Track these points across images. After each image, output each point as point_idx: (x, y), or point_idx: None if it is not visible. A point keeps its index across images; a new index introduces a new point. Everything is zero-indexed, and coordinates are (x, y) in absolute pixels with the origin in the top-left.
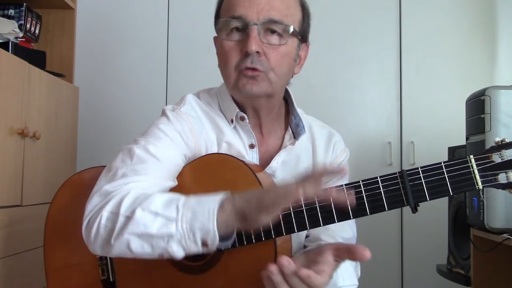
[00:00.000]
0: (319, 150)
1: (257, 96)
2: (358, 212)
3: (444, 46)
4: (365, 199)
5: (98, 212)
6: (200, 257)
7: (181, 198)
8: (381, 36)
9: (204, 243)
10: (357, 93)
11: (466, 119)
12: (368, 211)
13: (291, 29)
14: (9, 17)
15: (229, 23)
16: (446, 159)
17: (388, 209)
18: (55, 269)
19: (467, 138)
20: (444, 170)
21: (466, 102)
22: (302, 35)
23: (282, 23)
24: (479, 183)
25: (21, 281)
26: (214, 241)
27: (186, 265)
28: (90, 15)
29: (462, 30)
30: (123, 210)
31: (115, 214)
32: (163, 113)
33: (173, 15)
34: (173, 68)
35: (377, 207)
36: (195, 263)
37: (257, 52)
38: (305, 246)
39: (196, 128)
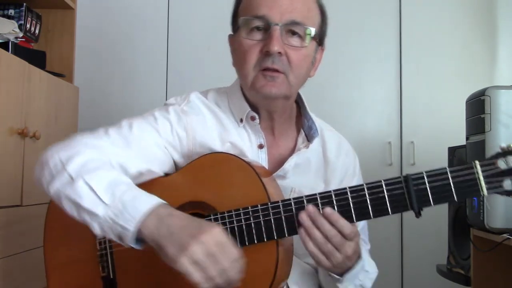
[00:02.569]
0: (330, 154)
1: (275, 98)
2: (362, 215)
3: (444, 46)
4: (368, 202)
5: (53, 153)
6: None
7: (122, 185)
8: (381, 36)
9: (120, 238)
10: (357, 93)
11: (466, 119)
12: (371, 214)
13: (313, 32)
14: (9, 17)
15: (251, 22)
16: (446, 159)
17: (392, 213)
18: (55, 266)
19: (467, 138)
20: (449, 175)
21: (466, 102)
22: (320, 39)
23: (304, 25)
24: (484, 189)
25: (21, 281)
26: (128, 242)
27: None
28: (90, 15)
29: (462, 30)
30: (70, 168)
31: (61, 166)
32: (165, 105)
33: (173, 15)
34: (173, 68)
35: (380, 211)
36: None
37: (279, 52)
38: None
39: (194, 125)
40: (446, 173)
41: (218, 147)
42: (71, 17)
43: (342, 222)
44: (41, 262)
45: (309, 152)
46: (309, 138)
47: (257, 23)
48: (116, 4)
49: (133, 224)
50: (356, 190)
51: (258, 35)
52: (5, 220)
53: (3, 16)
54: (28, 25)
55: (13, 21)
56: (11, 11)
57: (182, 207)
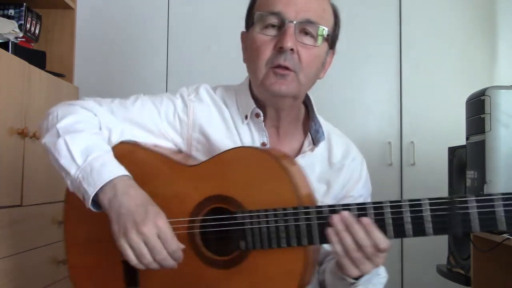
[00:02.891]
0: (335, 160)
1: (283, 96)
2: (399, 233)
3: (444, 45)
4: (410, 220)
5: (56, 108)
6: (226, 252)
7: (98, 151)
8: (381, 36)
9: (83, 199)
10: (357, 93)
11: (466, 119)
12: (410, 232)
13: (326, 32)
14: (9, 17)
15: (266, 18)
16: (446, 159)
17: (433, 235)
18: (75, 244)
19: (467, 138)
20: (498, 203)
21: (466, 102)
22: (332, 41)
23: (318, 25)
24: None
25: (21, 281)
26: (88, 205)
27: (210, 258)
28: (90, 15)
29: (462, 29)
30: (60, 125)
31: (56, 121)
32: (178, 93)
33: (173, 15)
34: (173, 68)
35: (420, 231)
36: (221, 258)
37: (291, 49)
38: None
39: (198, 114)
40: (494, 200)
41: (218, 140)
42: (71, 17)
43: (378, 235)
44: (41, 262)
45: (314, 155)
46: (315, 142)
47: (272, 19)
48: (116, 4)
49: (93, 189)
50: (397, 206)
51: (272, 32)
52: (5, 220)
53: (3, 16)
54: (28, 25)
55: (13, 21)
56: (11, 11)
57: (208, 200)
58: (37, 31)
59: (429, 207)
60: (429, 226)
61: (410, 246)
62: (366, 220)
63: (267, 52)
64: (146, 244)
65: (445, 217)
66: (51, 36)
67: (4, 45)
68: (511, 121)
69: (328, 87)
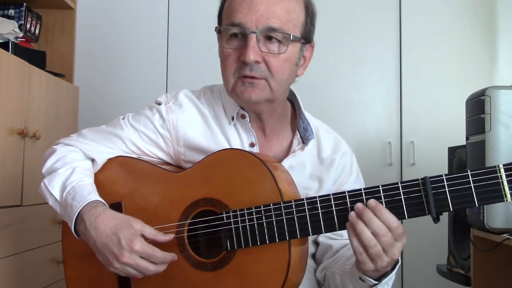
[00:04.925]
0: (324, 155)
1: (256, 103)
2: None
3: (444, 46)
4: (383, 205)
5: (46, 152)
6: (214, 254)
7: (70, 184)
8: (381, 36)
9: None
10: (357, 93)
11: (466, 119)
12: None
13: (291, 37)
14: (9, 17)
15: (228, 30)
16: (446, 159)
17: (408, 217)
18: (72, 257)
19: (467, 138)
20: (471, 179)
21: (466, 102)
22: (306, 38)
23: (282, 31)
24: (508, 196)
25: (21, 281)
26: (76, 236)
27: (199, 262)
28: (90, 15)
29: (462, 29)
30: (43, 170)
31: (42, 166)
32: (154, 104)
33: (173, 15)
34: (173, 68)
35: (396, 215)
36: (208, 260)
37: (256, 61)
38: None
39: (178, 124)
40: (468, 176)
41: (202, 145)
42: (71, 17)
43: (388, 216)
44: (40, 262)
45: (304, 153)
46: (304, 140)
47: (234, 30)
48: (116, 4)
49: (71, 223)
50: (372, 192)
51: (236, 42)
52: (5, 220)
53: (3, 16)
54: (28, 25)
55: (13, 21)
56: (11, 11)
57: (195, 204)
58: (37, 31)
59: (401, 190)
60: (402, 209)
61: (410, 246)
62: (372, 202)
63: (233, 64)
64: (132, 268)
65: (420, 198)
66: (51, 36)
67: (4, 45)
68: (511, 121)
69: (328, 87)
